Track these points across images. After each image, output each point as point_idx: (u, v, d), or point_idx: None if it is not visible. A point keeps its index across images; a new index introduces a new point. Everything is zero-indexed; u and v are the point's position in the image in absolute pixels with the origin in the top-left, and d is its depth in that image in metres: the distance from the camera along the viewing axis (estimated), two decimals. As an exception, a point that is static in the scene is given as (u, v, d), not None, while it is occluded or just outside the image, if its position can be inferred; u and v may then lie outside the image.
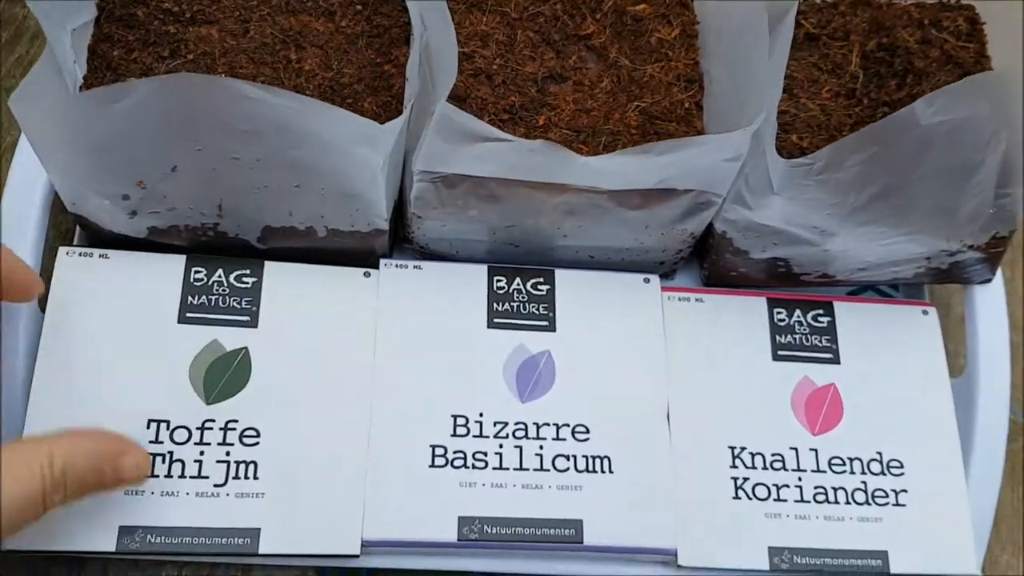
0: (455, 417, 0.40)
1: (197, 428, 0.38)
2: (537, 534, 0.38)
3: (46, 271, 0.39)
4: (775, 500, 0.40)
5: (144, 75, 0.38)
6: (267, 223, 0.39)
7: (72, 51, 0.38)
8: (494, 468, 0.39)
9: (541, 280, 0.43)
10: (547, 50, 0.41)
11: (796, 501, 0.40)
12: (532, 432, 0.40)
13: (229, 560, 0.39)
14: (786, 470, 0.41)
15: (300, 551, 0.37)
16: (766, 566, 0.39)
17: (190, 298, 0.40)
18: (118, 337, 0.38)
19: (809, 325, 0.43)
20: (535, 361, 0.41)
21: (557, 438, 0.40)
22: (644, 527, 0.39)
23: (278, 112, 0.33)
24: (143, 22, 0.40)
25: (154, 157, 0.35)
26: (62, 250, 0.39)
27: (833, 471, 0.41)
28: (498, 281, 0.42)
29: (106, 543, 0.36)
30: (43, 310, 0.38)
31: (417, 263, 0.42)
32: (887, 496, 0.41)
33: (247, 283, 0.40)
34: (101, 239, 0.40)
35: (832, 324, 0.43)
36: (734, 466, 0.41)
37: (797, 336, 0.43)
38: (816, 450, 0.41)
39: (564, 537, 0.38)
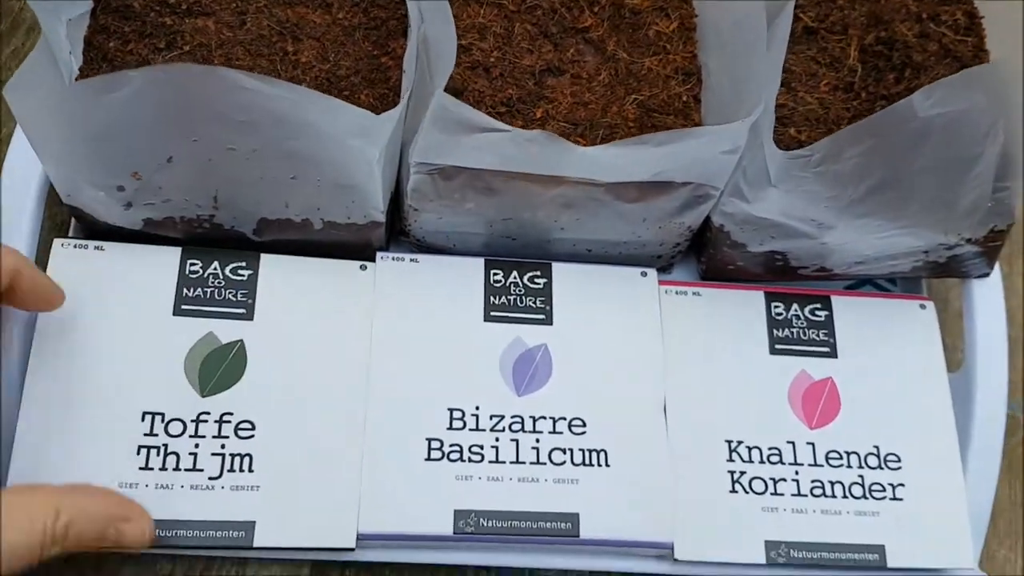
0: (451, 410, 0.40)
1: (192, 421, 0.38)
2: (533, 527, 0.38)
3: (41, 263, 0.38)
4: (772, 494, 0.40)
5: (140, 66, 0.38)
6: (263, 215, 0.39)
7: (68, 42, 0.38)
8: (490, 461, 0.39)
9: (538, 273, 0.42)
10: (545, 43, 0.41)
11: (793, 495, 0.40)
12: (529, 425, 0.40)
13: (224, 554, 0.39)
14: (783, 464, 0.41)
15: (295, 544, 0.37)
16: (763, 560, 0.39)
17: (185, 290, 0.39)
18: (113, 329, 0.38)
19: (806, 319, 0.43)
20: (532, 354, 0.41)
21: (554, 431, 0.40)
22: (641, 521, 0.39)
23: (274, 103, 0.32)
24: (139, 13, 0.39)
25: (150, 148, 0.35)
26: (57, 242, 0.39)
27: (830, 465, 0.41)
28: (495, 274, 0.42)
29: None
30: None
31: (414, 256, 0.42)
32: (884, 490, 0.41)
33: (243, 275, 0.40)
34: (96, 231, 0.40)
35: (830, 318, 0.43)
36: (731, 460, 0.41)
37: (794, 330, 0.43)
38: (813, 444, 0.41)
39: (560, 530, 0.38)
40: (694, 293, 0.43)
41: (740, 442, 0.41)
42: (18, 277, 0.34)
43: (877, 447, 0.41)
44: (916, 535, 0.40)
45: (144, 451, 0.37)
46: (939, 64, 0.41)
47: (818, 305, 0.44)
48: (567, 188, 0.37)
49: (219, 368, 0.39)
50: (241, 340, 0.39)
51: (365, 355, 0.40)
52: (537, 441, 0.40)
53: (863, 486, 0.41)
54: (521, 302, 0.42)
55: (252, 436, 0.38)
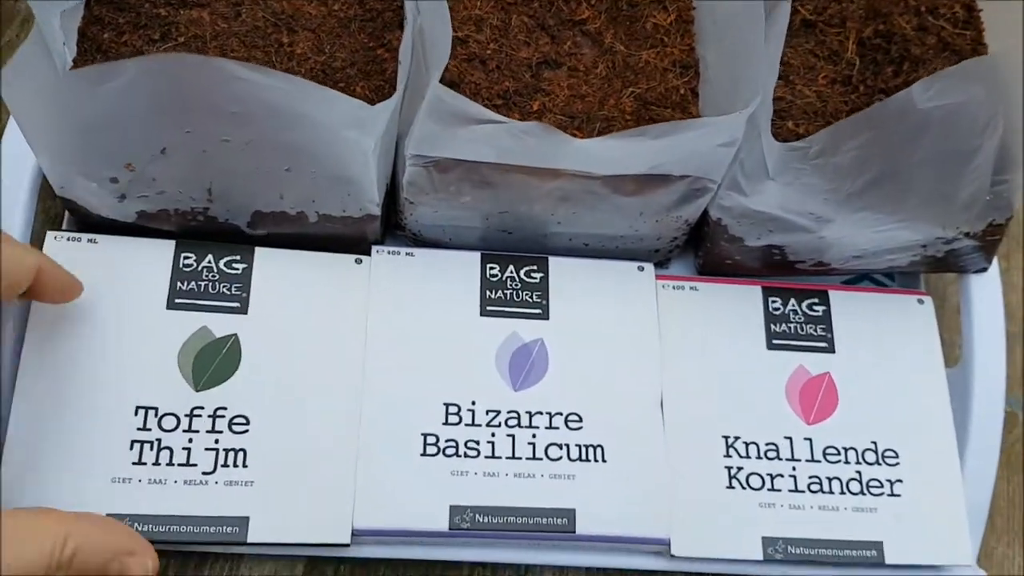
0: (447, 405, 0.39)
1: (186, 415, 0.38)
2: (529, 523, 0.38)
3: (33, 255, 0.38)
4: (769, 490, 0.40)
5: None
6: (257, 208, 0.39)
7: (61, 33, 0.38)
8: (486, 457, 0.39)
9: (535, 268, 0.42)
10: (542, 35, 0.41)
11: (790, 491, 0.40)
12: (525, 421, 0.40)
13: (217, 550, 0.39)
14: (780, 460, 0.41)
15: (289, 540, 0.37)
16: (760, 556, 0.39)
17: (179, 284, 0.39)
18: (106, 323, 0.38)
19: (804, 314, 0.43)
20: (528, 349, 0.41)
21: (550, 427, 0.40)
22: (637, 517, 0.39)
23: (268, 93, 0.32)
24: (133, 4, 0.39)
25: (143, 139, 0.34)
26: (50, 235, 0.39)
27: (828, 461, 0.41)
28: (491, 268, 0.42)
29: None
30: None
31: (409, 250, 0.42)
32: (882, 486, 0.41)
33: (237, 269, 0.40)
34: (90, 224, 0.39)
35: (827, 313, 0.43)
36: (728, 455, 0.40)
37: (792, 325, 0.43)
38: (811, 439, 0.41)
39: (557, 526, 0.38)
40: (691, 288, 0.43)
41: (737, 438, 0.41)
42: (40, 275, 0.34)
43: (875, 443, 0.41)
44: (914, 531, 0.40)
45: (137, 446, 0.37)
46: (937, 57, 0.41)
47: (816, 300, 0.43)
48: (564, 181, 0.37)
49: (213, 362, 0.38)
50: (235, 334, 0.39)
51: (360, 349, 0.40)
52: (533, 436, 0.39)
53: (861, 482, 0.41)
54: (517, 296, 0.42)
55: (246, 431, 0.38)
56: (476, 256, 0.42)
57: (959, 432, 0.42)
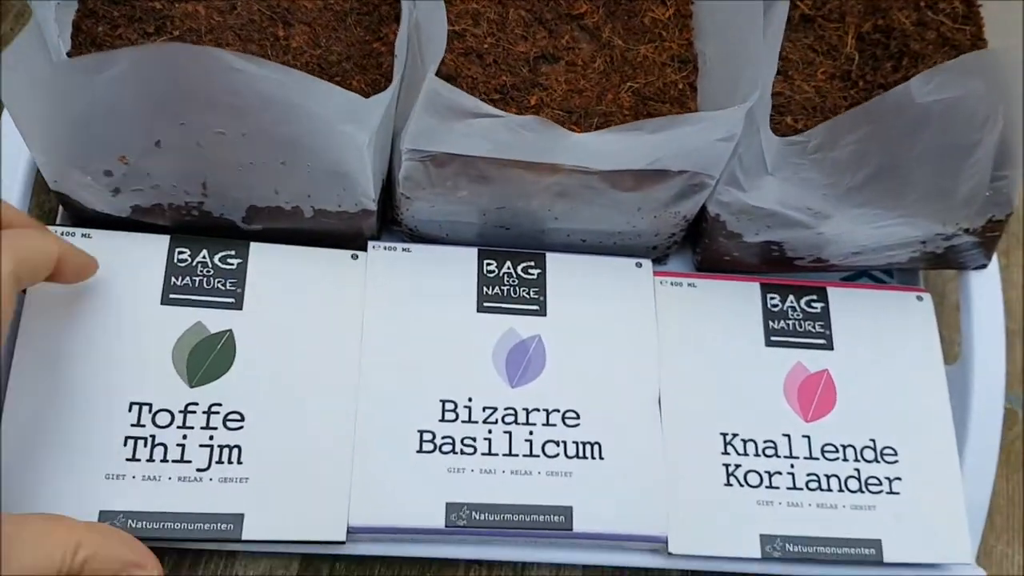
0: (444, 402, 0.39)
1: (180, 411, 0.37)
2: (526, 520, 0.38)
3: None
4: (767, 487, 0.40)
5: (128, 49, 0.38)
6: (252, 202, 0.38)
7: (56, 25, 0.38)
8: (483, 454, 0.38)
9: (532, 264, 0.42)
10: (539, 29, 0.41)
11: (789, 488, 0.40)
12: (522, 418, 0.39)
13: (212, 547, 0.39)
14: (778, 457, 0.40)
15: (284, 537, 0.37)
16: (758, 554, 0.39)
17: (173, 279, 0.39)
18: (100, 318, 0.38)
19: (802, 311, 0.43)
20: (525, 346, 0.40)
21: (547, 424, 0.39)
22: (635, 514, 0.38)
23: (263, 84, 0.32)
24: (128, -2, 0.39)
25: (137, 131, 0.34)
26: (44, 229, 0.39)
27: (826, 458, 0.41)
28: (488, 265, 0.42)
29: (85, 527, 0.35)
30: (23, 291, 0.38)
31: (406, 246, 0.42)
32: (881, 484, 0.40)
33: (232, 264, 0.40)
34: (84, 218, 0.39)
35: (826, 310, 0.43)
36: (726, 453, 0.40)
37: (790, 322, 0.43)
38: (809, 437, 0.41)
39: (554, 524, 0.38)
40: (689, 284, 0.43)
41: (735, 435, 0.41)
42: (61, 260, 0.34)
43: (873, 440, 0.41)
44: (913, 529, 0.40)
45: (131, 442, 0.37)
46: (937, 53, 0.41)
47: (814, 297, 0.43)
48: (562, 176, 0.37)
49: (208, 358, 0.38)
50: (230, 330, 0.39)
51: (356, 346, 0.39)
52: (530, 433, 0.39)
53: (859, 480, 0.40)
54: (515, 293, 0.41)
55: (241, 427, 0.38)
56: (473, 252, 0.42)
57: (958, 430, 0.42)
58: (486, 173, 0.37)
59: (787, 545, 0.39)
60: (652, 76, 0.40)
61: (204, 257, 0.39)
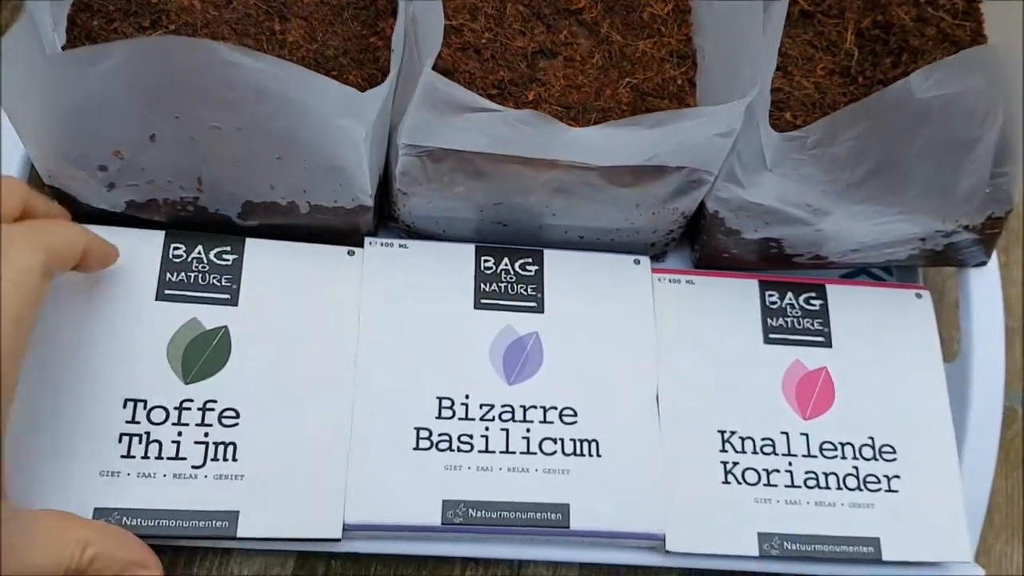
0: (440, 399, 0.39)
1: (175, 408, 0.37)
2: (523, 518, 0.38)
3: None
4: (765, 485, 0.40)
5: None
6: (248, 198, 0.38)
7: (51, 19, 0.37)
8: (480, 451, 0.38)
9: (529, 260, 0.42)
10: (537, 24, 0.40)
11: (787, 486, 0.40)
12: (519, 415, 0.39)
13: (207, 544, 0.38)
14: (776, 455, 0.40)
15: (280, 535, 0.37)
16: (756, 552, 0.39)
17: (168, 275, 0.39)
18: (94, 315, 0.38)
19: (801, 308, 0.43)
20: (523, 343, 0.40)
21: (544, 421, 0.39)
22: (632, 512, 0.38)
23: (258, 78, 0.32)
24: (123, -9, 0.39)
25: (132, 124, 0.34)
26: (38, 224, 0.38)
27: (824, 456, 0.40)
28: (486, 261, 0.42)
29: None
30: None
31: (403, 242, 0.41)
32: (879, 482, 0.40)
33: (227, 260, 0.39)
34: (78, 214, 0.39)
35: (824, 307, 0.43)
36: (724, 450, 0.40)
37: (789, 319, 0.42)
38: (807, 435, 0.41)
39: (550, 521, 0.38)
40: (687, 281, 0.43)
41: (733, 432, 0.40)
42: (87, 251, 0.35)
43: (872, 438, 0.41)
44: (911, 528, 0.40)
45: (126, 439, 0.36)
46: (937, 49, 0.41)
47: (813, 294, 0.43)
48: (560, 172, 0.37)
49: (203, 355, 0.38)
50: (225, 326, 0.38)
51: (353, 342, 0.39)
52: (527, 431, 0.39)
53: (858, 478, 0.40)
54: (512, 289, 0.41)
55: (236, 424, 0.37)
56: (470, 248, 0.42)
57: (957, 428, 0.42)
58: (483, 169, 0.37)
59: (785, 543, 0.39)
60: (651, 72, 0.40)
61: (199, 253, 0.39)
